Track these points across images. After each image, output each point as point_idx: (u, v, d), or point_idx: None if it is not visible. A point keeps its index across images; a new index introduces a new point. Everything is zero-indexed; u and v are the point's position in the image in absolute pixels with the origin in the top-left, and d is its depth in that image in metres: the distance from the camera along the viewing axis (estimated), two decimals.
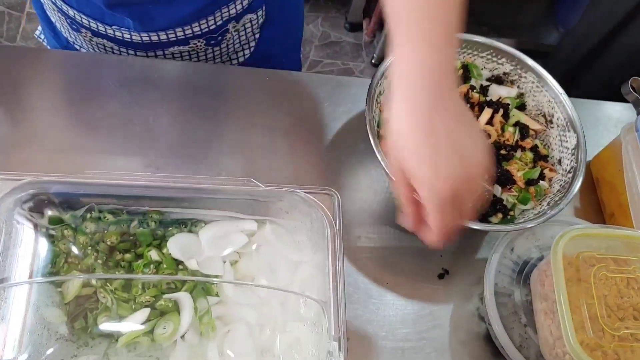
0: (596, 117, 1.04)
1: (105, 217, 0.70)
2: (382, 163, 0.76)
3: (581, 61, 1.57)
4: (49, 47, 1.05)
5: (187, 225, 0.72)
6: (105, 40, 0.87)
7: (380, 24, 2.15)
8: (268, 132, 0.90)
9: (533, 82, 0.90)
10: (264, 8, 0.94)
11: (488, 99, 0.87)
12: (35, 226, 0.68)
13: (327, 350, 0.62)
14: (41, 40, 1.07)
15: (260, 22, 0.96)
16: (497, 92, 0.91)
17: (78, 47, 0.95)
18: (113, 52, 0.91)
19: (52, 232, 0.69)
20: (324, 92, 0.96)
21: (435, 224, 0.52)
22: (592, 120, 1.03)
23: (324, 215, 0.69)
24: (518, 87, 0.92)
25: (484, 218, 0.81)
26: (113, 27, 0.83)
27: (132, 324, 0.64)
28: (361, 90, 0.90)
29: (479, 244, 0.88)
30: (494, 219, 0.82)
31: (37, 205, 0.68)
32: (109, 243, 0.69)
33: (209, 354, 0.65)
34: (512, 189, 0.82)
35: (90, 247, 0.69)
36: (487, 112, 0.85)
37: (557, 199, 0.82)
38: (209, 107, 0.91)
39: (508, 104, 0.88)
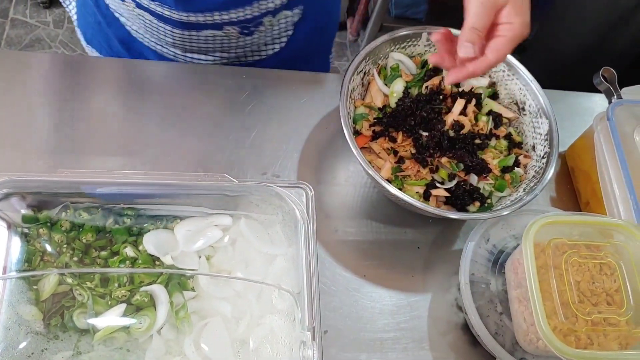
0: (572, 107, 1.05)
1: (80, 215, 0.71)
2: (357, 158, 0.77)
3: (554, 54, 1.58)
4: (75, 20, 1.08)
5: (163, 221, 0.72)
6: (146, 14, 0.89)
7: (364, 23, 2.16)
8: (245, 129, 0.91)
9: (504, 72, 0.91)
10: (301, 7, 0.96)
11: (460, 89, 0.88)
12: (9, 225, 0.68)
13: (301, 340, 0.63)
14: (68, 11, 1.09)
15: (295, 19, 0.98)
16: (469, 82, 0.92)
17: (117, 16, 0.97)
18: (152, 26, 0.92)
19: (27, 230, 0.69)
20: (300, 88, 0.97)
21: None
22: (568, 110, 1.04)
23: (297, 209, 0.70)
24: (490, 76, 0.93)
25: (461, 207, 0.82)
26: (155, 2, 0.85)
27: (108, 319, 0.65)
28: (337, 86, 0.91)
29: (456, 234, 0.89)
30: (471, 208, 0.83)
31: (11, 204, 0.68)
32: (84, 241, 0.70)
33: (185, 348, 0.65)
34: (488, 177, 0.83)
35: (65, 245, 0.69)
36: (459, 103, 0.86)
37: (532, 184, 0.82)
38: (184, 105, 0.91)
39: (480, 94, 0.89)
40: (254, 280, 0.67)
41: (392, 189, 0.76)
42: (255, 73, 0.97)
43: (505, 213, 0.78)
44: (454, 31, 0.89)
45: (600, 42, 1.44)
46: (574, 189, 0.96)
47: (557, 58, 1.58)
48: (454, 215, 0.77)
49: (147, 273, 0.66)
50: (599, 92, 0.92)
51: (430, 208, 0.76)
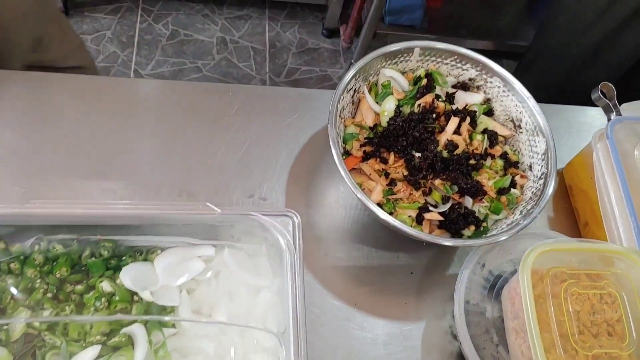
0: (569, 122, 1.02)
1: (54, 248, 0.67)
2: (346, 180, 0.74)
3: (550, 67, 1.55)
4: None
5: (142, 253, 0.69)
6: None
7: (357, 30, 2.12)
8: (232, 149, 0.87)
9: (499, 87, 0.88)
10: None
11: (454, 107, 0.85)
12: None
13: None
14: None
15: None
16: (463, 99, 0.89)
17: None
18: None
19: None
20: (289, 105, 0.93)
21: None
22: (565, 126, 1.01)
23: (282, 240, 0.66)
24: (484, 92, 0.90)
25: (456, 231, 0.79)
26: None
27: None
28: (327, 102, 0.88)
29: (451, 258, 0.85)
30: (466, 232, 0.80)
31: None
32: (58, 275, 0.66)
33: None
34: (483, 200, 0.80)
35: (39, 280, 0.66)
36: (453, 121, 0.83)
37: (529, 207, 0.79)
38: (168, 125, 0.88)
39: (475, 111, 0.85)
40: (236, 324, 0.64)
41: (383, 214, 0.72)
42: (243, 90, 0.93)
43: (501, 239, 0.74)
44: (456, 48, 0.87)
45: (595, 54, 1.41)
46: (572, 208, 0.93)
47: (552, 71, 1.55)
48: (447, 242, 0.73)
49: (118, 319, 0.63)
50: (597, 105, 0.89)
51: (422, 235, 0.72)
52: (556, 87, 1.56)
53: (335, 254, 0.82)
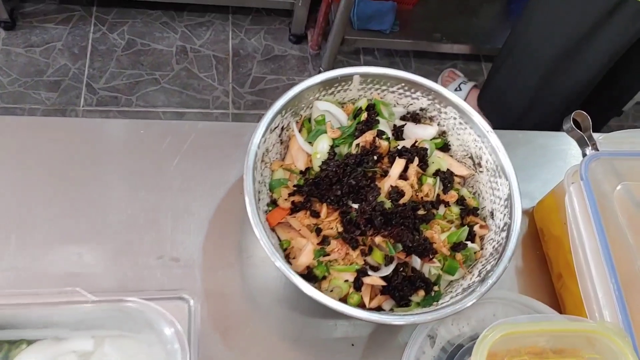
0: (542, 150, 0.89)
1: None
2: (262, 245, 0.60)
3: (523, 65, 1.45)
4: None
5: (2, 349, 0.55)
6: None
7: (325, 35, 1.99)
8: (140, 201, 0.74)
9: (455, 119, 0.75)
10: None
11: (400, 146, 0.72)
12: None
13: None
14: None
15: None
16: (414, 132, 0.76)
17: None
18: None
19: None
20: (212, 141, 0.80)
21: None
22: (537, 154, 0.88)
23: (172, 330, 0.53)
24: (439, 124, 0.77)
25: (402, 298, 0.66)
26: None
27: None
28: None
29: (397, 326, 0.72)
30: (415, 298, 0.67)
31: None
32: None
33: None
34: (434, 260, 0.67)
35: None
36: (399, 164, 0.69)
37: (489, 266, 0.66)
38: (59, 170, 0.74)
39: (426, 150, 0.72)
40: None
41: (306, 287, 0.59)
42: (158, 127, 0.80)
43: (454, 309, 0.61)
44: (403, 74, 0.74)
45: (569, 54, 1.31)
46: (544, 254, 0.80)
47: (525, 71, 1.45)
48: (386, 319, 0.60)
49: None
50: None
51: (353, 311, 0.59)
52: (529, 89, 1.45)
53: (258, 325, 0.69)
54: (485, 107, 1.68)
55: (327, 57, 1.97)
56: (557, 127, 1.54)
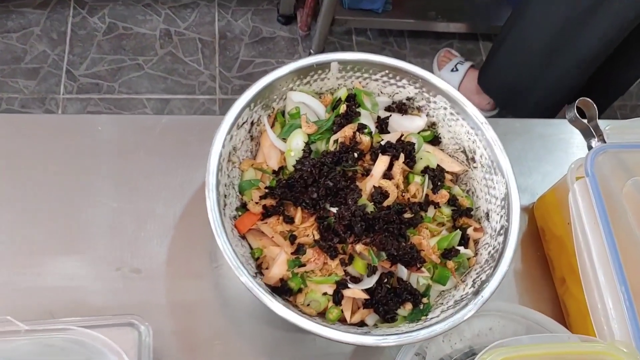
0: (543, 140, 0.81)
1: None
2: (225, 256, 0.54)
3: (524, 43, 1.38)
4: None
5: None
6: None
7: (315, 15, 1.90)
8: (97, 204, 0.66)
9: (445, 109, 0.67)
10: None
11: (384, 141, 0.64)
12: None
13: None
14: None
15: None
16: (400, 124, 0.68)
17: None
18: None
19: None
20: (182, 136, 0.72)
21: None
22: (538, 144, 0.81)
23: None
24: (428, 115, 0.69)
25: (387, 312, 0.59)
26: None
27: None
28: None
29: None
30: (401, 311, 0.60)
31: None
32: None
33: None
34: (422, 269, 0.60)
35: None
36: (382, 161, 0.62)
37: (483, 275, 0.59)
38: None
39: (413, 144, 0.65)
40: None
41: (276, 307, 0.52)
42: (117, 122, 0.72)
43: (443, 328, 0.54)
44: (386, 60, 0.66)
45: (573, 30, 1.24)
46: (545, 255, 0.73)
47: (527, 49, 1.37)
48: (365, 340, 0.53)
49: None
50: None
51: (327, 332, 0.53)
52: (532, 66, 1.37)
53: (232, 344, 0.62)
54: (487, 85, 1.60)
55: (317, 38, 1.88)
56: (563, 105, 1.47)
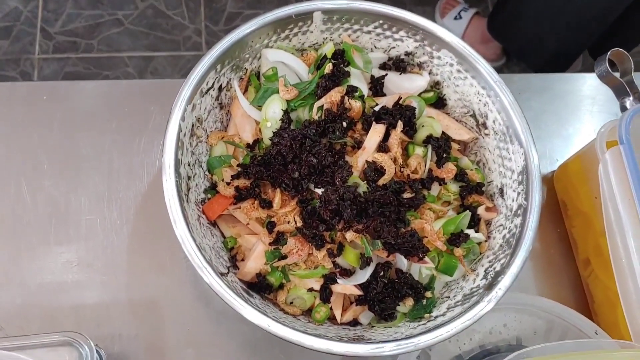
0: (564, 98, 0.70)
1: None
2: (189, 257, 0.44)
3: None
4: None
5: None
6: None
7: None
8: (8, 206, 0.57)
9: (452, 65, 0.56)
10: None
11: (378, 106, 0.54)
12: None
13: None
14: None
15: None
16: (398, 85, 0.58)
17: None
18: None
19: None
20: (143, 104, 0.62)
21: None
22: (559, 104, 0.70)
23: None
24: (430, 73, 0.58)
25: (384, 309, 0.50)
26: None
27: None
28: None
29: None
30: (401, 308, 0.51)
31: None
32: None
33: None
34: (425, 258, 0.50)
35: None
36: (376, 131, 0.52)
37: (498, 266, 0.50)
38: None
39: (413, 109, 0.54)
40: None
41: (248, 312, 0.43)
42: (66, 90, 0.62)
43: (449, 332, 0.46)
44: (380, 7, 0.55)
45: None
46: (566, 232, 0.64)
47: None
48: (352, 349, 0.44)
49: None
50: None
51: (314, 342, 0.44)
52: (547, 10, 1.24)
53: (204, 346, 0.54)
54: (499, 32, 1.46)
55: None
56: (580, 53, 1.34)
